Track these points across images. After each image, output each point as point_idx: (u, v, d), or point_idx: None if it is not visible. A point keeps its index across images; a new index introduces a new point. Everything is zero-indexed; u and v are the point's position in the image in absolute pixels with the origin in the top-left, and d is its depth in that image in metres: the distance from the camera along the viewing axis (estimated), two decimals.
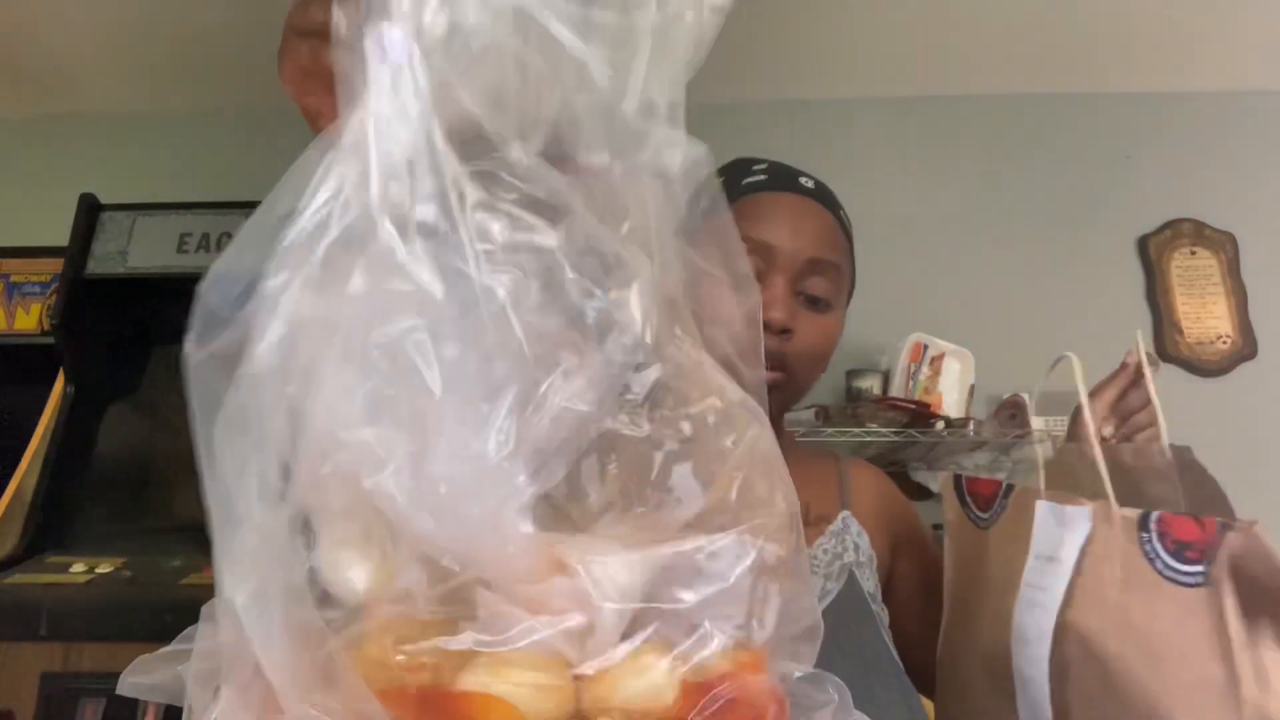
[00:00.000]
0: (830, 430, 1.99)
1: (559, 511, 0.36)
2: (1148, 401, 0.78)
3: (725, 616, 0.36)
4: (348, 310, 0.35)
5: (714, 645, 0.35)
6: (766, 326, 0.79)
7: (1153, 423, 0.77)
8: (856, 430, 1.98)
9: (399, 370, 0.34)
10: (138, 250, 1.78)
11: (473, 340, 0.35)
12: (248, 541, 0.35)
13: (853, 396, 2.13)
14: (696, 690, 0.35)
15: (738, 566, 0.36)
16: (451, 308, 0.35)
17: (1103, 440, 0.76)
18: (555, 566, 0.34)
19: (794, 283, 0.83)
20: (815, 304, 0.84)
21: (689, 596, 0.35)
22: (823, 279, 0.84)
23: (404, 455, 0.34)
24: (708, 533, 0.36)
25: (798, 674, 0.39)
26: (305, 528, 0.37)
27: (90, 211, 1.79)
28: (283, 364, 0.35)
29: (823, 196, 0.89)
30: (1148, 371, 0.78)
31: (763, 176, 0.88)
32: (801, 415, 2.01)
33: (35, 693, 1.32)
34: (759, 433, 0.41)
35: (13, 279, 2.18)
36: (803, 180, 0.89)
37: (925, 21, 2.37)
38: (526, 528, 0.34)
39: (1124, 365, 0.80)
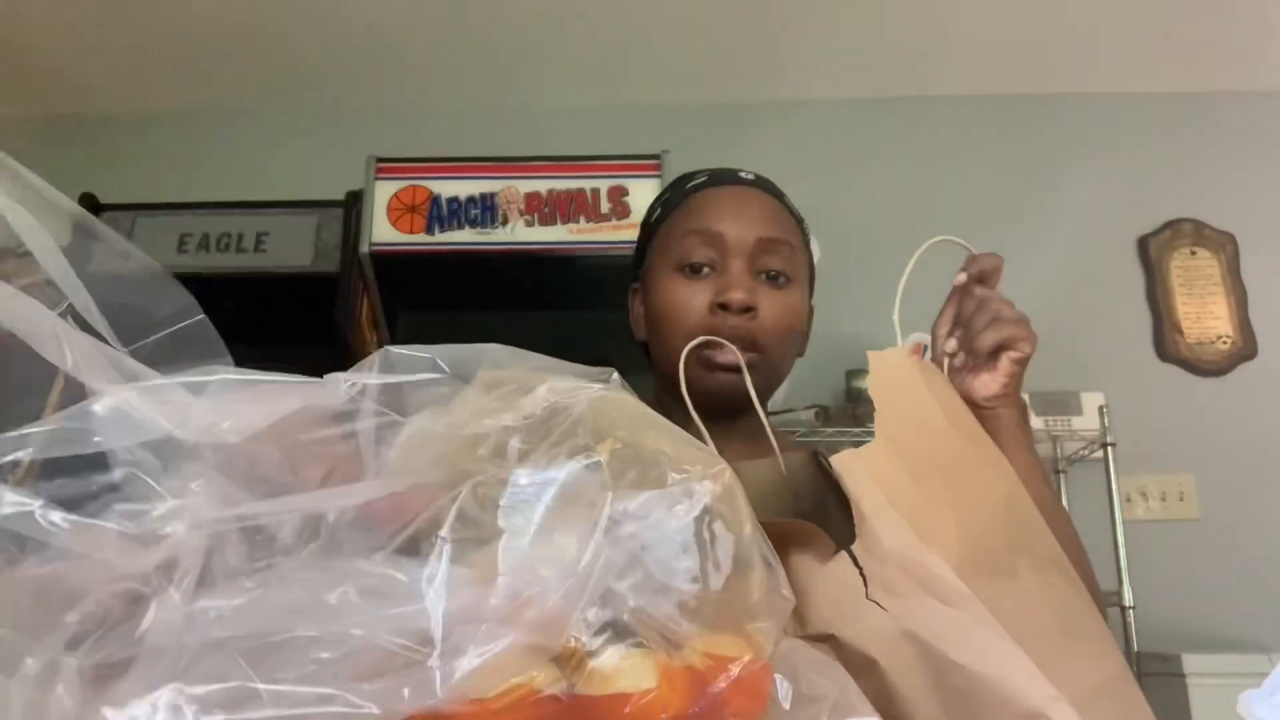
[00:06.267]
0: (830, 430, 1.98)
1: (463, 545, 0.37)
2: (981, 306, 0.81)
3: (680, 571, 0.35)
4: None
5: (680, 623, 0.35)
6: (729, 308, 0.82)
7: (993, 319, 0.79)
8: (856, 430, 1.97)
9: None
10: (137, 250, 1.78)
11: None
12: None
13: (853, 397, 2.13)
14: (685, 675, 0.35)
15: (671, 514, 0.35)
16: None
17: (949, 356, 0.83)
18: (486, 577, 0.34)
19: (750, 264, 0.85)
20: (775, 280, 0.86)
21: (631, 563, 0.35)
22: (777, 256, 0.86)
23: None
24: (626, 494, 0.36)
25: (797, 653, 0.39)
26: None
27: (90, 211, 1.79)
28: None
29: (764, 184, 0.92)
30: (961, 276, 0.83)
31: (704, 179, 0.92)
32: (801, 415, 2.00)
33: None
34: (620, 394, 0.42)
35: None
36: (742, 174, 0.92)
37: (925, 22, 2.37)
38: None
39: (954, 287, 0.85)
